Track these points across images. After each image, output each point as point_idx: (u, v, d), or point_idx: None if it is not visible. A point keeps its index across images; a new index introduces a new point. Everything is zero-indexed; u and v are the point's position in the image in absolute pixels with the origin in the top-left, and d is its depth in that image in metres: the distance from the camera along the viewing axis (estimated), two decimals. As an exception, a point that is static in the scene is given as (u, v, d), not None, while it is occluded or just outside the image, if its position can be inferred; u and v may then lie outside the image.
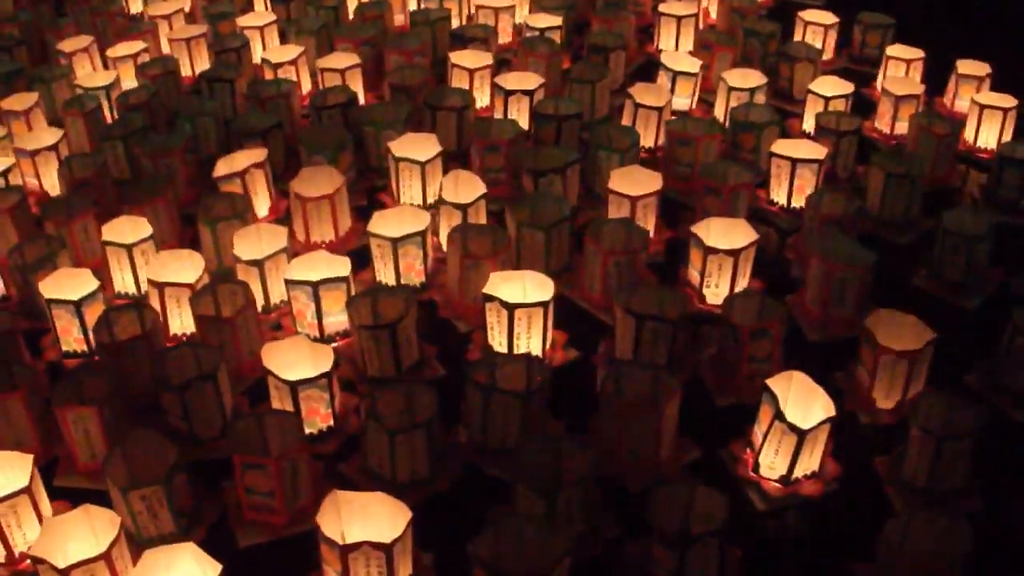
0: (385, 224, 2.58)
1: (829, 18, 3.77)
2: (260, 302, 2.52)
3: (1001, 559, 1.97)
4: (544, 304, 2.34)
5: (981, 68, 3.36)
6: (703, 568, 1.83)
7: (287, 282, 2.43)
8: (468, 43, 3.58)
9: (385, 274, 2.60)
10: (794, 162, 2.84)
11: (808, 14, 3.80)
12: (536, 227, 2.57)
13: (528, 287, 2.39)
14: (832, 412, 2.04)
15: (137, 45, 3.64)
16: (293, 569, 1.93)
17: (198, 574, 1.77)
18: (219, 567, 1.75)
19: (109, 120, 3.30)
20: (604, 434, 2.14)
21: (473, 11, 3.94)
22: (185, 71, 3.67)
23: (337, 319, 2.44)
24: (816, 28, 3.75)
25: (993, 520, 2.03)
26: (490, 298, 2.34)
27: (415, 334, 2.36)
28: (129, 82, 3.53)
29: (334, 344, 2.41)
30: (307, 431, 2.17)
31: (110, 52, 3.62)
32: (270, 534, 2.02)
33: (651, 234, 2.75)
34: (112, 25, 3.96)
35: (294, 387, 2.14)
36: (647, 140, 3.17)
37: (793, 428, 2.02)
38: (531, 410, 2.10)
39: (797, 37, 3.75)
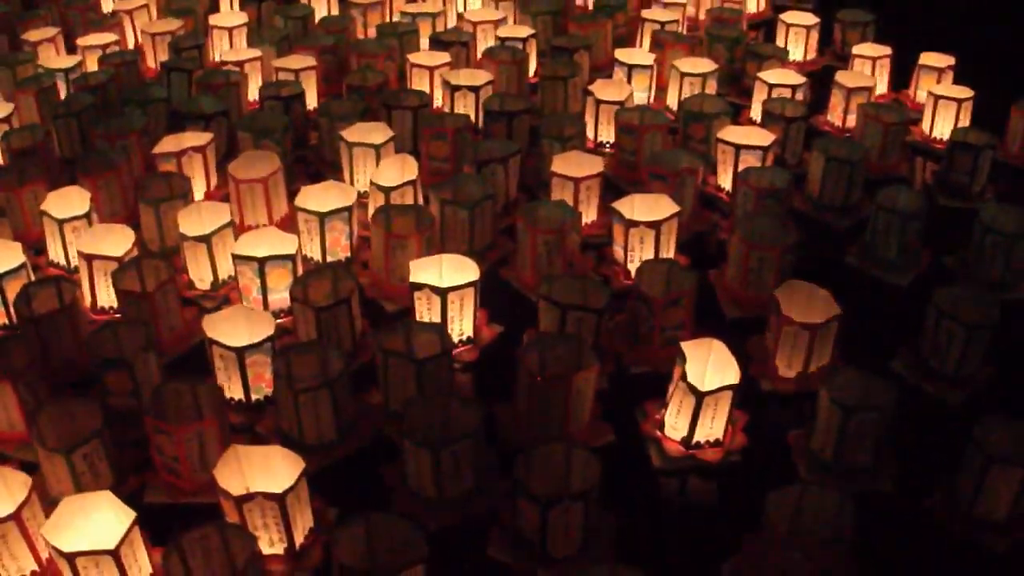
0: (312, 199, 2.64)
1: (811, 19, 3.78)
2: (208, 278, 2.58)
3: (913, 543, 1.97)
4: (474, 284, 2.36)
5: (943, 60, 3.35)
6: (566, 529, 1.83)
7: (234, 257, 2.46)
8: (448, 47, 3.60)
9: (311, 249, 2.65)
10: (738, 148, 2.86)
11: (789, 16, 3.81)
12: (459, 205, 2.59)
13: (445, 270, 2.41)
14: (737, 381, 2.06)
15: (108, 37, 3.71)
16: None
17: (114, 521, 1.81)
18: (134, 514, 1.80)
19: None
20: (519, 406, 2.16)
21: (456, 23, 3.95)
22: (151, 63, 3.76)
23: (281, 296, 2.47)
24: (798, 29, 3.76)
25: (910, 503, 2.02)
26: (418, 286, 2.35)
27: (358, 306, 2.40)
28: (94, 68, 3.59)
29: (279, 321, 2.41)
30: (254, 398, 2.22)
31: (80, 40, 3.68)
32: (176, 497, 2.05)
33: (595, 216, 2.79)
34: (82, 21, 3.99)
35: (240, 353, 2.17)
36: (608, 135, 3.19)
37: (692, 389, 2.05)
38: (431, 377, 2.12)
39: (779, 39, 3.76)
